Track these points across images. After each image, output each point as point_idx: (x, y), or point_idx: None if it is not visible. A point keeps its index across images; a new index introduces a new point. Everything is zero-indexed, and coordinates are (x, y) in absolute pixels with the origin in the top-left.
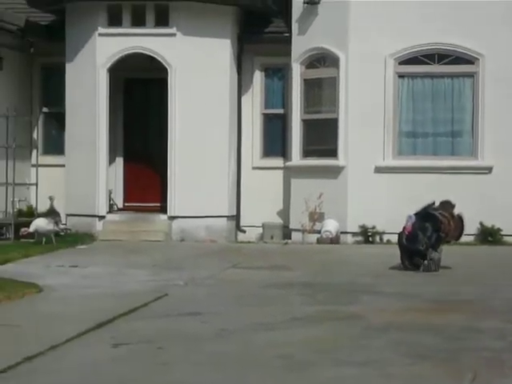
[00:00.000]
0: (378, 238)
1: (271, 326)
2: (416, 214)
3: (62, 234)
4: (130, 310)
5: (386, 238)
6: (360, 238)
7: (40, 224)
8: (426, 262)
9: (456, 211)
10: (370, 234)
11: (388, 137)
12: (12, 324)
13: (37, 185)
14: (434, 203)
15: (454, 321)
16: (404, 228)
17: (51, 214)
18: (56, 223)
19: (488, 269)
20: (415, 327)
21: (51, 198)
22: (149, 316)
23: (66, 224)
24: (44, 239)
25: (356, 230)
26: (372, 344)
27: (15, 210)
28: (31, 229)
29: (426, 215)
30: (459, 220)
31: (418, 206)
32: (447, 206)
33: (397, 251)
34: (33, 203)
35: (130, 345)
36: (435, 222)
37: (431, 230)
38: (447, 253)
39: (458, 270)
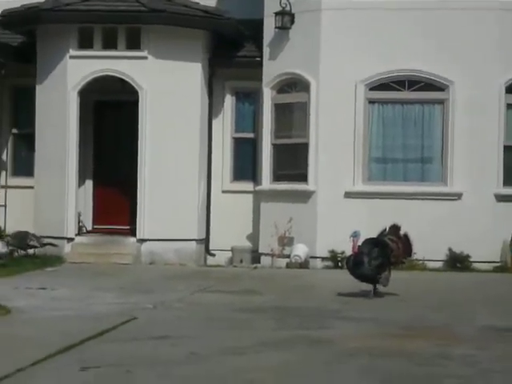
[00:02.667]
0: None
1: (241, 350)
2: (366, 240)
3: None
4: (98, 333)
5: None
6: (329, 263)
7: None
8: (375, 289)
9: (402, 232)
10: (339, 258)
11: (358, 162)
12: None
13: (5, 206)
14: (385, 229)
15: (424, 347)
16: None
17: (18, 236)
18: (6, 244)
19: (454, 295)
20: (385, 352)
21: None
22: (117, 339)
23: (38, 243)
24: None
25: (325, 254)
26: (343, 369)
27: None
28: None
29: (375, 241)
30: (406, 239)
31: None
32: (395, 229)
33: None
34: (1, 225)
35: (99, 368)
36: (384, 247)
37: (376, 255)
38: (414, 278)
39: (425, 295)
